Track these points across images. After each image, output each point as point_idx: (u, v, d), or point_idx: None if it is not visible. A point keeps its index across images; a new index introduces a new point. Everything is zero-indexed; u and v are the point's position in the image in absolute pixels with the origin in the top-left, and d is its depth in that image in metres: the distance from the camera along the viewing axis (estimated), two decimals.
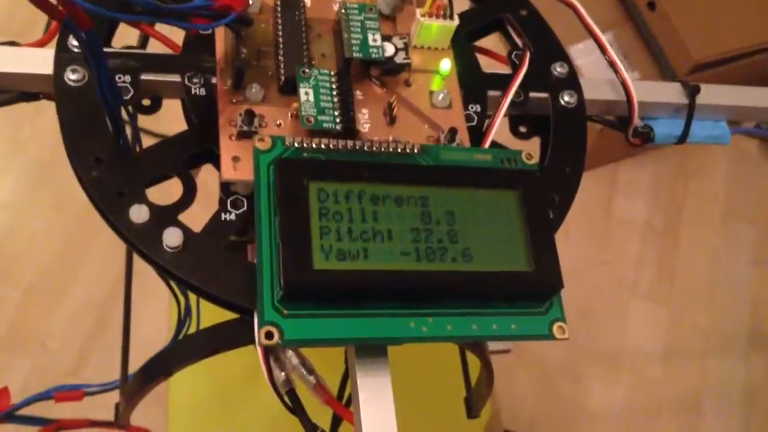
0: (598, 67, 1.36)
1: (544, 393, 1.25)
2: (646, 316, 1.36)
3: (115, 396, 0.46)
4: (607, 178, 1.48)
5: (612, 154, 1.48)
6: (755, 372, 1.32)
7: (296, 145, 0.26)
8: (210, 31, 0.30)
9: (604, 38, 0.38)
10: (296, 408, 0.26)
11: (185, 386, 0.55)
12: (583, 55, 1.38)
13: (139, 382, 0.31)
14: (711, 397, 1.29)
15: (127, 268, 0.37)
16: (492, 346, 0.92)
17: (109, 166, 0.27)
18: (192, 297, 0.37)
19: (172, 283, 0.37)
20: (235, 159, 0.27)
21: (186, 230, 0.26)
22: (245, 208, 0.28)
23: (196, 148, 0.29)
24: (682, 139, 0.38)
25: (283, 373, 0.27)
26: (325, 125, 0.28)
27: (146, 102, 0.30)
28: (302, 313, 0.23)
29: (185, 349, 0.29)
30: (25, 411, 0.42)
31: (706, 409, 1.28)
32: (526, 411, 1.26)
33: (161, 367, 0.30)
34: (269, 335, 0.23)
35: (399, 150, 0.27)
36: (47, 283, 1.23)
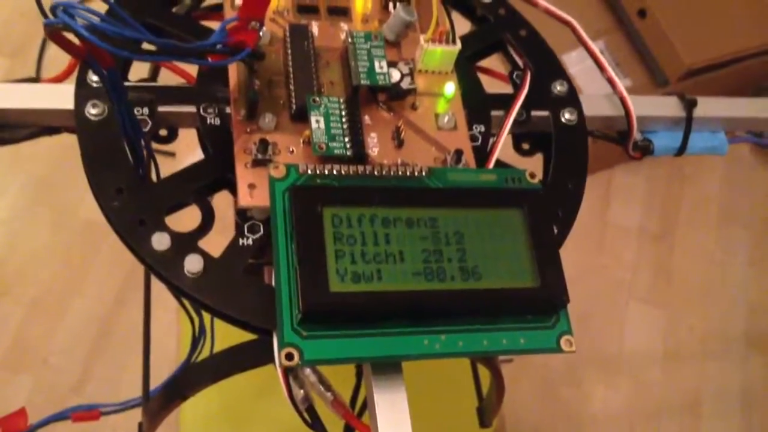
0: (591, 74, 1.37)
1: (546, 398, 1.25)
2: (644, 320, 1.37)
3: (130, 415, 0.47)
4: (603, 184, 1.50)
5: (607, 160, 1.49)
6: (753, 373, 1.33)
7: (309, 172, 0.27)
8: None
9: (602, 57, 0.39)
10: (316, 424, 0.27)
11: (196, 405, 0.56)
12: (576, 62, 1.40)
13: (162, 402, 0.32)
14: (710, 398, 1.30)
15: (146, 291, 0.38)
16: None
17: (129, 195, 0.28)
18: (206, 316, 0.38)
19: (186, 304, 0.38)
20: (251, 186, 0.28)
21: (206, 256, 0.27)
22: (261, 232, 0.29)
23: (213, 176, 0.30)
24: (681, 151, 0.39)
25: (302, 391, 0.28)
26: (336, 152, 0.29)
27: (163, 132, 0.31)
28: (321, 334, 0.25)
29: (206, 369, 0.30)
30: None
31: (705, 411, 1.29)
32: (529, 417, 1.27)
33: (184, 386, 0.31)
34: (290, 356, 0.24)
35: (408, 173, 0.28)
36: (48, 300, 1.23)
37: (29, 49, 1.50)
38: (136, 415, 0.46)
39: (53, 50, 1.50)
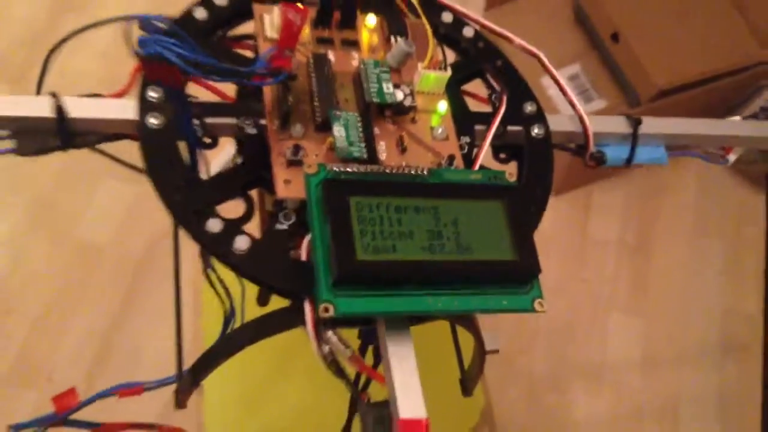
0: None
1: (532, 405, 1.30)
2: (624, 329, 1.41)
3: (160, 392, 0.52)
4: (582, 201, 1.54)
5: (585, 178, 1.54)
6: (729, 378, 1.37)
7: (335, 169, 0.34)
8: None
9: (564, 83, 0.46)
10: (338, 372, 0.34)
11: (217, 390, 0.61)
12: (551, 85, 1.45)
13: (203, 366, 0.38)
14: (688, 403, 1.34)
15: (176, 278, 0.45)
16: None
17: (187, 190, 0.35)
18: (235, 298, 0.45)
19: (218, 289, 0.44)
20: (287, 182, 0.35)
21: (250, 237, 0.34)
22: (293, 219, 0.35)
23: (251, 175, 0.37)
24: (629, 161, 0.47)
25: (327, 347, 0.34)
26: (355, 154, 0.36)
27: (207, 140, 0.38)
28: (349, 293, 0.31)
29: (242, 335, 0.37)
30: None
31: (684, 416, 1.33)
32: (516, 423, 1.29)
33: (222, 353, 0.37)
34: (326, 310, 0.31)
35: (412, 172, 0.35)
36: (50, 318, 1.26)
37: (29, 76, 1.55)
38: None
39: (52, 77, 1.56)
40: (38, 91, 1.44)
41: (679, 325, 1.43)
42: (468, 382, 0.44)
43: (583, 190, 1.55)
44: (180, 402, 0.42)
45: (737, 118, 0.51)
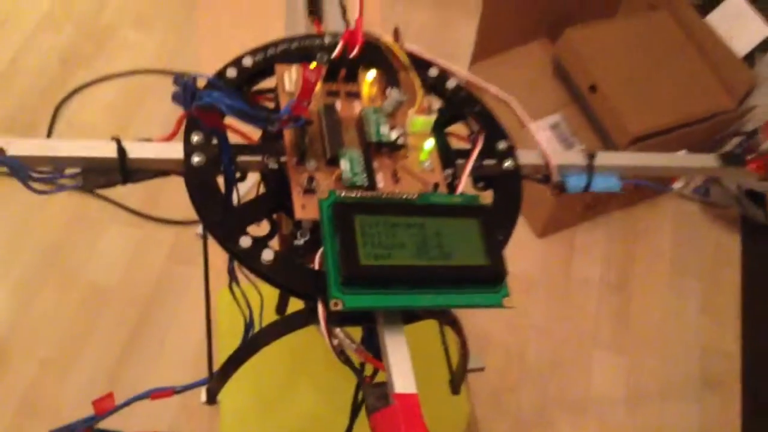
0: (548, 142, 1.52)
1: None
2: (607, 365, 1.45)
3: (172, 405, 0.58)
4: (566, 242, 1.60)
5: (568, 221, 1.60)
6: (709, 412, 1.42)
7: (342, 195, 0.42)
8: None
9: (531, 126, 0.54)
10: (347, 360, 0.42)
11: (233, 398, 0.68)
12: (539, 130, 1.53)
13: (233, 363, 0.46)
14: None
15: (206, 291, 0.52)
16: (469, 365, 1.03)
17: (223, 215, 0.43)
18: (254, 308, 0.52)
19: (240, 300, 0.52)
20: (303, 206, 0.44)
21: (275, 250, 0.42)
22: (308, 236, 0.44)
23: (274, 202, 0.45)
24: (586, 188, 0.55)
25: (336, 341, 0.42)
26: (358, 183, 0.45)
27: (238, 174, 0.47)
28: (355, 291, 0.39)
29: (268, 332, 0.45)
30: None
31: None
32: None
33: (251, 349, 0.45)
34: (336, 304, 0.39)
35: (404, 197, 0.44)
36: (59, 358, 1.31)
37: (39, 128, 1.60)
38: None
39: (59, 131, 1.60)
40: None
41: (661, 361, 1.47)
42: (456, 380, 0.51)
43: (567, 232, 1.62)
44: (211, 397, 0.49)
45: (683, 152, 0.59)
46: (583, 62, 1.51)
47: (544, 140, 1.51)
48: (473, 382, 1.40)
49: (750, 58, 1.55)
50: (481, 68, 1.65)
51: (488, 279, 0.42)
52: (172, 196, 1.52)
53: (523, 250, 1.58)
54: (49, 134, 1.61)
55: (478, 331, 1.45)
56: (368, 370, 0.46)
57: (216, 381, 0.46)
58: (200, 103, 0.35)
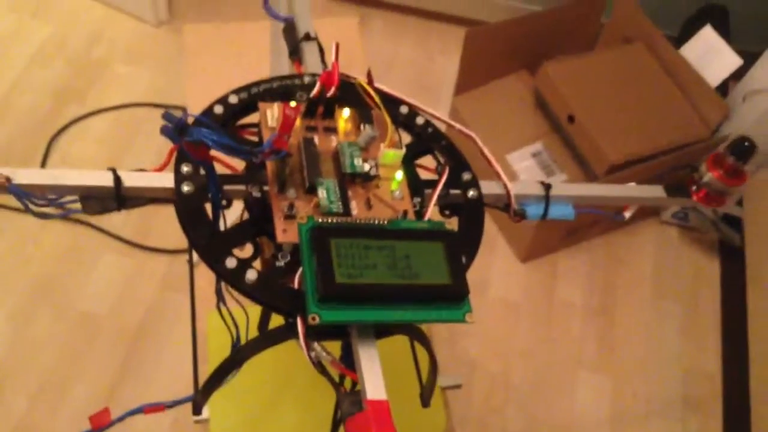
0: (531, 169, 1.57)
1: None
2: (591, 387, 1.48)
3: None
4: (549, 268, 1.64)
5: (551, 246, 1.64)
6: (691, 431, 1.45)
7: (320, 220, 0.47)
8: None
9: (493, 160, 0.59)
10: (323, 371, 0.46)
11: (222, 415, 0.71)
12: (518, 161, 1.58)
13: (218, 375, 0.50)
14: None
15: (192, 309, 0.56)
16: (445, 382, 1.06)
17: (211, 238, 0.47)
18: (241, 327, 0.56)
19: (227, 319, 0.56)
20: (284, 231, 0.48)
21: (258, 271, 0.46)
22: (289, 258, 0.48)
23: (257, 227, 0.49)
24: (544, 216, 0.59)
25: (313, 353, 0.46)
26: (334, 210, 0.49)
27: (224, 202, 0.51)
28: (331, 307, 0.44)
29: (252, 346, 0.48)
30: None
31: None
32: None
33: (236, 361, 0.49)
34: (314, 318, 0.43)
35: (376, 222, 0.48)
36: (51, 386, 1.33)
37: (32, 162, 1.64)
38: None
39: (52, 165, 1.63)
40: None
41: (644, 383, 1.51)
42: (425, 393, 0.55)
43: (550, 257, 1.66)
44: (197, 409, 0.53)
45: (632, 184, 0.64)
46: (561, 94, 1.56)
47: (525, 169, 1.56)
48: (460, 404, 1.43)
49: (723, 88, 1.61)
50: (465, 99, 1.70)
51: (451, 297, 0.46)
52: (164, 226, 1.55)
53: (507, 275, 1.62)
54: (42, 167, 1.64)
55: (463, 355, 1.48)
56: (347, 385, 0.50)
57: (202, 393, 0.50)
58: (189, 139, 0.39)
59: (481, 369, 1.48)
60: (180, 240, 1.53)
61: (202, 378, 0.52)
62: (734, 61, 1.58)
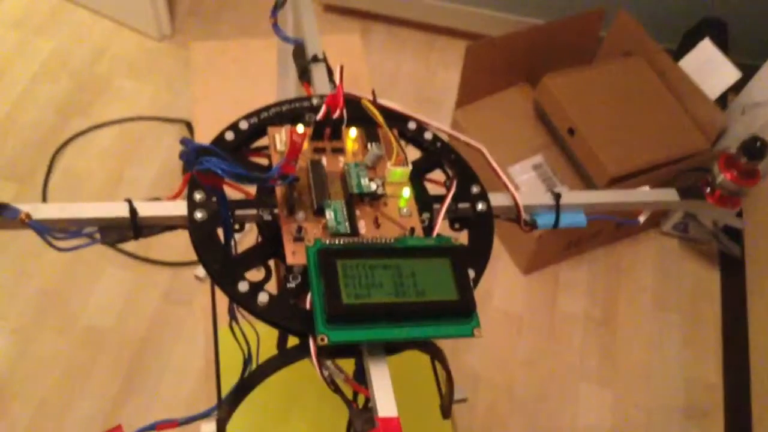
0: (532, 181, 1.58)
1: None
2: (593, 398, 1.49)
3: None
4: (551, 279, 1.65)
5: (553, 258, 1.66)
6: None
7: (327, 242, 0.48)
8: None
9: (501, 172, 0.60)
10: (337, 389, 0.47)
11: (231, 430, 0.72)
12: (519, 173, 1.59)
13: (239, 392, 0.51)
14: None
15: (214, 326, 0.57)
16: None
17: (224, 262, 0.48)
18: (252, 343, 0.57)
19: (239, 337, 0.57)
20: (294, 253, 0.49)
21: (269, 294, 0.48)
22: (299, 279, 0.49)
23: (269, 250, 0.50)
24: (555, 225, 0.60)
25: (326, 372, 0.47)
26: (341, 231, 0.50)
27: (237, 226, 0.52)
28: (339, 327, 0.44)
29: (268, 365, 0.49)
30: None
31: None
32: None
33: (254, 380, 0.50)
34: (322, 339, 0.44)
35: (383, 241, 0.49)
36: (57, 399, 1.35)
37: (36, 176, 1.66)
38: None
39: (56, 179, 1.66)
40: (44, 189, 1.57)
41: (646, 393, 1.52)
42: (445, 406, 0.56)
43: (552, 269, 1.67)
44: (221, 427, 0.54)
45: (645, 188, 0.64)
46: (561, 107, 1.57)
47: (526, 181, 1.57)
48: (463, 416, 1.43)
49: (722, 100, 1.63)
50: (466, 112, 1.71)
51: (459, 312, 0.47)
52: (167, 239, 1.56)
53: (509, 287, 1.63)
54: (46, 180, 1.66)
55: (467, 368, 1.49)
56: (360, 401, 0.51)
57: (225, 411, 0.51)
58: (200, 168, 0.40)
59: (485, 381, 1.49)
60: (183, 253, 1.55)
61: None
62: (733, 74, 1.59)
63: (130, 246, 1.54)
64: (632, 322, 1.62)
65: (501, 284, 1.62)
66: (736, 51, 1.69)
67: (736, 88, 1.61)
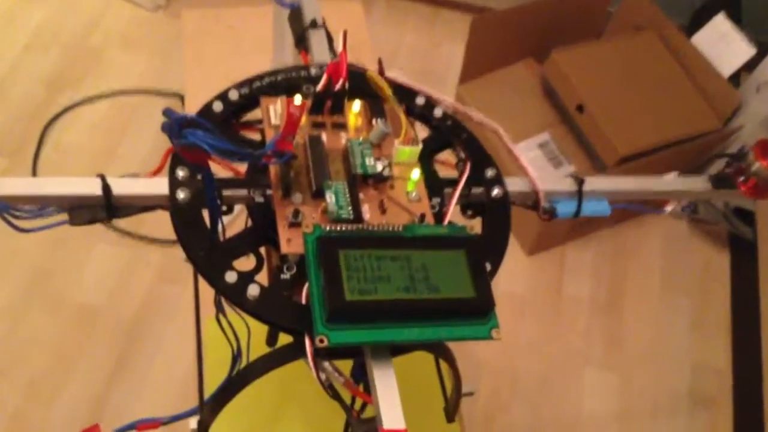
0: (537, 160, 1.53)
1: None
2: (599, 383, 1.46)
3: None
4: (556, 260, 1.60)
5: (558, 239, 1.61)
6: (700, 428, 1.43)
7: (327, 228, 0.42)
8: None
9: (519, 153, 0.54)
10: (334, 394, 0.42)
11: (221, 430, 0.68)
12: (524, 151, 1.54)
13: (224, 395, 0.45)
14: None
15: (197, 324, 0.52)
16: None
17: (209, 249, 0.43)
18: (242, 339, 0.52)
19: (227, 332, 0.52)
20: (289, 240, 0.43)
21: (260, 285, 0.42)
22: (294, 270, 0.44)
23: (260, 235, 0.45)
24: (577, 214, 0.55)
25: (324, 375, 0.42)
26: (343, 216, 0.44)
27: (224, 208, 0.46)
28: (340, 327, 0.39)
29: (257, 366, 0.44)
30: None
31: None
32: None
33: (241, 381, 0.45)
34: (321, 340, 0.39)
35: (390, 229, 0.44)
36: (45, 381, 1.31)
37: (26, 151, 1.61)
38: None
39: (46, 153, 1.61)
40: (34, 164, 1.52)
41: (652, 378, 1.48)
42: (450, 408, 0.51)
43: (557, 250, 1.62)
44: (204, 427, 0.49)
45: (673, 174, 0.59)
46: (570, 83, 1.52)
47: (532, 160, 1.52)
48: (464, 402, 1.39)
49: (735, 78, 1.57)
50: (470, 88, 1.66)
51: (476, 311, 0.42)
52: (159, 215, 1.51)
53: (513, 269, 1.59)
54: (36, 155, 1.62)
55: (469, 353, 1.46)
56: (358, 401, 0.46)
57: (208, 413, 0.46)
58: (183, 142, 0.35)
59: (487, 365, 1.45)
60: None
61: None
62: (747, 51, 1.54)
63: (121, 221, 1.49)
64: (639, 305, 1.58)
65: (504, 265, 1.56)
66: (750, 27, 1.64)
67: (751, 65, 1.55)
